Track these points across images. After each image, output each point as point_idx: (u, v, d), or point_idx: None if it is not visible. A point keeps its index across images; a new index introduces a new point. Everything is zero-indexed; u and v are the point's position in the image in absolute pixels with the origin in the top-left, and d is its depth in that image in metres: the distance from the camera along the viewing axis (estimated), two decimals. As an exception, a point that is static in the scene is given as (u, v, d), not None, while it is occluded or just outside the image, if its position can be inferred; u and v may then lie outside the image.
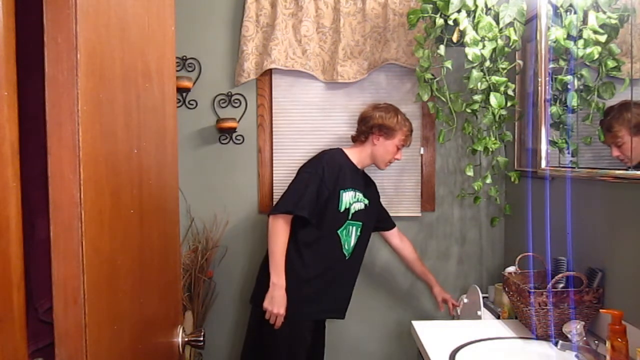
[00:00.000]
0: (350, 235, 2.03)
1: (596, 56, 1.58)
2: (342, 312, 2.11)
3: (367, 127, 2.03)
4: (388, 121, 2.01)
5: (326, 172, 1.93)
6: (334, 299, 2.06)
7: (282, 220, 1.89)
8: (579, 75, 1.69)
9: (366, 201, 2.08)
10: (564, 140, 1.79)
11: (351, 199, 2.00)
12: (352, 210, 2.01)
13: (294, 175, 2.01)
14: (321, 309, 2.04)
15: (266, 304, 1.88)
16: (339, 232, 1.99)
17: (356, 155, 2.07)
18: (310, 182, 1.91)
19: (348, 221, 2.01)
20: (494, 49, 1.96)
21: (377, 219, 2.19)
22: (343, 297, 2.10)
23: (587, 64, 1.64)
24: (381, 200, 2.53)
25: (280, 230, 1.88)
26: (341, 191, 1.97)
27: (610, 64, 1.54)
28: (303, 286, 1.95)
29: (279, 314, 1.87)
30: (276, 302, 1.87)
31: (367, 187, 2.13)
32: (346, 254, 2.03)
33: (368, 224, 2.10)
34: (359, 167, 2.08)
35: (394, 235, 2.28)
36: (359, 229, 2.06)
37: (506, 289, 1.75)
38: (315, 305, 2.00)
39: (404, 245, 2.28)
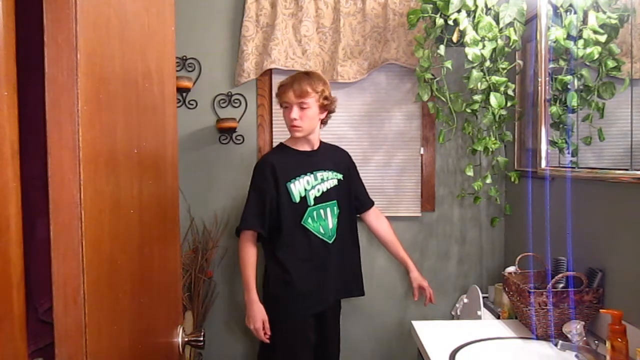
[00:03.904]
0: (325, 219, 1.97)
1: (596, 56, 1.58)
2: (345, 293, 2.08)
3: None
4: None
5: (257, 178, 1.95)
6: (329, 287, 2.00)
7: (244, 238, 1.94)
8: (579, 75, 1.69)
9: (339, 176, 2.04)
10: (564, 140, 1.79)
11: (306, 185, 1.95)
12: (312, 196, 1.95)
13: None
14: (318, 301, 1.98)
15: (246, 323, 1.94)
16: (303, 222, 1.94)
17: (291, 138, 2.01)
18: (251, 194, 1.95)
19: (310, 208, 1.94)
20: (494, 49, 1.96)
21: (355, 194, 2.13)
22: (342, 280, 2.04)
23: (587, 64, 1.64)
24: (381, 200, 2.52)
25: (243, 248, 1.94)
26: (288, 184, 1.92)
27: (610, 64, 1.54)
28: (290, 287, 1.92)
29: (255, 328, 1.90)
30: (251, 318, 1.91)
31: (334, 161, 2.06)
32: (327, 239, 1.97)
33: (345, 199, 2.05)
34: (307, 148, 2.01)
35: (370, 215, 2.20)
36: (336, 207, 2.01)
37: (506, 289, 1.75)
38: (310, 299, 1.96)
39: (380, 224, 2.20)
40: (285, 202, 1.92)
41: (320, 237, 1.96)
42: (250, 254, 1.94)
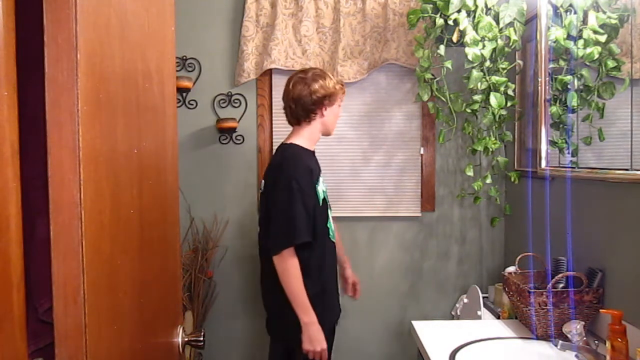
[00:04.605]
0: (330, 220, 1.90)
1: (596, 56, 1.58)
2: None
3: (312, 105, 1.82)
4: (329, 89, 1.83)
5: (302, 182, 1.75)
6: (338, 290, 1.96)
7: (287, 254, 1.72)
8: (579, 75, 1.69)
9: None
10: (564, 140, 1.79)
11: (323, 187, 1.87)
12: (326, 197, 1.89)
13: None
14: (337, 307, 1.95)
15: (306, 347, 1.73)
16: (328, 225, 1.87)
17: (308, 139, 1.87)
18: (294, 201, 1.72)
19: (328, 208, 1.89)
20: (494, 49, 1.96)
21: None
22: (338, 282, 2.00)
23: (587, 64, 1.64)
24: (381, 200, 2.53)
25: (290, 267, 1.72)
26: (316, 187, 1.82)
27: (610, 64, 1.54)
28: (324, 297, 1.82)
29: (322, 350, 1.73)
30: (316, 340, 1.73)
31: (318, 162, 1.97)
32: (334, 240, 1.91)
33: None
34: (312, 149, 1.91)
35: None
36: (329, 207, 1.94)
37: (506, 289, 1.75)
38: (333, 307, 1.90)
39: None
40: (318, 206, 1.81)
41: (332, 240, 1.90)
42: (299, 269, 1.73)
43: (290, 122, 1.91)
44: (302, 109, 1.84)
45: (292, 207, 1.73)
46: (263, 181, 1.88)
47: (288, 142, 1.88)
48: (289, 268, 1.72)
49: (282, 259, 1.72)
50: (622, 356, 1.24)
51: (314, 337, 1.72)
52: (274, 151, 2.44)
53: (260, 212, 1.91)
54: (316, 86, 1.82)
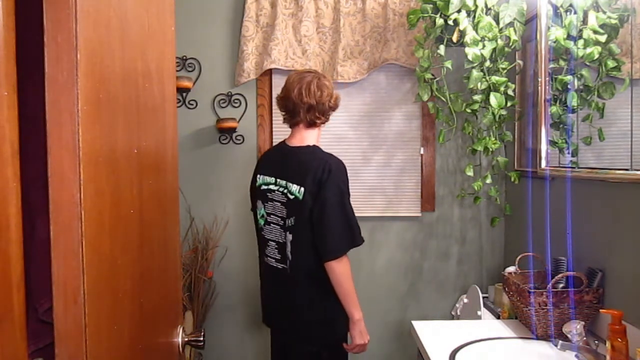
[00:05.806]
0: None
1: (596, 56, 1.58)
2: None
3: (331, 109, 1.83)
4: (336, 93, 1.85)
5: (347, 184, 1.74)
6: None
7: (346, 258, 1.71)
8: (579, 75, 1.69)
9: None
10: (564, 140, 1.79)
11: None
12: None
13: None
14: None
15: (358, 341, 1.77)
16: None
17: (318, 141, 1.85)
18: (347, 203, 1.71)
19: None
20: (494, 49, 1.96)
21: None
22: None
23: (587, 64, 1.64)
24: (381, 200, 2.53)
25: (348, 268, 1.71)
26: None
27: (610, 64, 1.54)
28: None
29: (369, 340, 1.80)
30: (365, 333, 1.78)
31: None
32: None
33: None
34: None
35: None
36: None
37: (506, 289, 1.75)
38: None
39: None
40: None
41: None
42: (350, 270, 1.75)
43: (298, 124, 1.81)
44: (322, 112, 1.80)
45: (346, 209, 1.71)
46: (297, 186, 1.73)
47: (309, 144, 1.80)
48: (347, 270, 1.71)
49: (342, 261, 1.69)
50: (622, 356, 1.24)
51: (363, 330, 1.78)
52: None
53: (294, 220, 1.73)
54: (331, 89, 1.82)
